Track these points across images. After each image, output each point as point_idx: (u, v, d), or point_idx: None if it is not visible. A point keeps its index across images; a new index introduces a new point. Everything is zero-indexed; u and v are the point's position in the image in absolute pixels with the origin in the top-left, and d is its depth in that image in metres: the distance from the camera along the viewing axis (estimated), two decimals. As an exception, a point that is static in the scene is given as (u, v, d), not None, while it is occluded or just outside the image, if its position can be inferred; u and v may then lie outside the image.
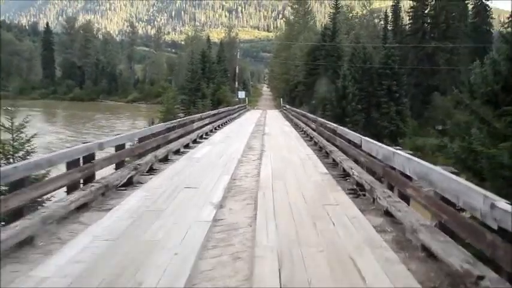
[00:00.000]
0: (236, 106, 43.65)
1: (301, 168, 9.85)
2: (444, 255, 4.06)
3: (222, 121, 25.15)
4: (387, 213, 6.04)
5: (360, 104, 44.14)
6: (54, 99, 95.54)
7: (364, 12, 74.03)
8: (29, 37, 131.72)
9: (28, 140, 9.79)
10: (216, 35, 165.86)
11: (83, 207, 6.24)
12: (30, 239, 4.79)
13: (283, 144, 14.94)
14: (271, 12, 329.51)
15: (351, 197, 7.18)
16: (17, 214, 4.92)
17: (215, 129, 21.27)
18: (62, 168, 6.50)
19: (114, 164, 8.30)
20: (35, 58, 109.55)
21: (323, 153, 12.87)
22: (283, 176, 8.75)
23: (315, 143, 15.42)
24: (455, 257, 3.91)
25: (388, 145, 9.10)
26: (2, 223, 5.47)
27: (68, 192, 6.43)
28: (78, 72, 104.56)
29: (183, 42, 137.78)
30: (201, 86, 52.43)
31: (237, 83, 74.06)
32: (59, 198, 6.16)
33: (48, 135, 46.89)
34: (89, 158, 7.06)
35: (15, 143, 8.86)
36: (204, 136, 17.46)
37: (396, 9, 61.94)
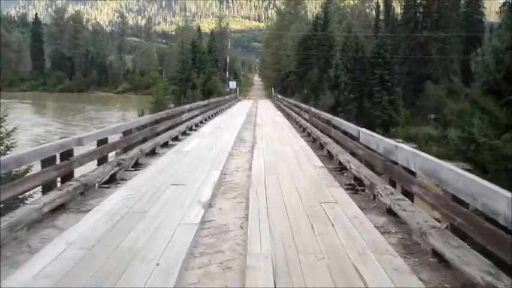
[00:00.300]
0: (227, 96, 42.90)
1: (295, 161, 9.35)
2: (460, 264, 3.59)
3: (212, 112, 24.58)
4: (390, 212, 5.58)
5: (352, 93, 43.84)
6: (43, 91, 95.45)
7: (356, 1, 73.52)
8: (18, 28, 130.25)
9: (8, 134, 9.23)
10: (207, 25, 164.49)
11: (59, 209, 5.71)
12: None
13: (275, 136, 14.41)
14: (262, 2, 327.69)
15: (349, 193, 6.71)
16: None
17: (205, 120, 20.70)
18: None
19: (96, 160, 7.79)
20: (24, 50, 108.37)
21: (317, 145, 12.38)
22: (276, 170, 8.26)
23: (309, 134, 14.93)
24: (474, 266, 3.45)
25: (382, 135, 8.72)
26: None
27: (44, 192, 5.93)
28: (67, 63, 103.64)
29: (173, 33, 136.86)
30: (192, 77, 52.23)
31: (227, 73, 73.37)
32: (31, 200, 5.65)
33: (36, 128, 46.29)
34: (67, 154, 6.52)
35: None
36: (193, 128, 16.87)
37: (388, -2, 61.50)
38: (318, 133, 12.79)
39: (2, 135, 9.15)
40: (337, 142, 10.24)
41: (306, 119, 17.19)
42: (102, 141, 7.96)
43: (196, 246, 4.52)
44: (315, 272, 3.75)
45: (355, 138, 8.32)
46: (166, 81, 52.65)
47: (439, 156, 5.75)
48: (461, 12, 57.93)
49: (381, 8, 61.13)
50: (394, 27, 55.98)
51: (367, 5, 71.37)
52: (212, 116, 23.82)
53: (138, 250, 4.25)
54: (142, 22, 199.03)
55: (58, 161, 6.37)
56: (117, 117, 51.32)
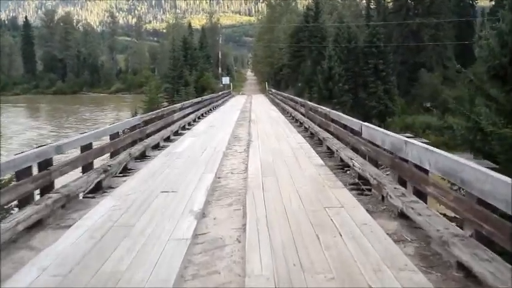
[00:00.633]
0: (220, 92, 42.35)
1: (294, 159, 8.81)
2: (494, 281, 3.08)
3: (205, 109, 24.00)
4: (402, 216, 5.07)
5: (347, 84, 43.29)
6: (36, 93, 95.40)
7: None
8: (8, 32, 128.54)
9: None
10: (198, 22, 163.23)
11: (36, 226, 5.16)
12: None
13: (271, 132, 13.85)
14: None
15: (354, 194, 6.19)
16: None
17: (198, 118, 20.11)
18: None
19: (81, 168, 7.23)
20: (15, 53, 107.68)
21: (315, 141, 11.86)
22: (274, 170, 7.73)
23: (306, 129, 14.42)
24: (513, 285, 2.93)
25: (378, 125, 8.22)
26: None
27: (20, 207, 5.38)
28: (59, 65, 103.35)
29: (164, 31, 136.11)
30: (184, 74, 51.77)
31: (220, 68, 72.84)
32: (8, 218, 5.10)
33: (29, 131, 45.55)
34: (45, 164, 5.96)
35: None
36: (186, 127, 16.32)
37: (377, -14, 60.94)
38: (316, 128, 12.26)
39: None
40: (337, 137, 9.72)
41: (302, 113, 16.67)
42: (86, 147, 7.40)
43: (187, 267, 3.98)
44: (326, 296, 3.22)
45: (357, 133, 7.80)
46: (158, 80, 52.13)
47: (437, 145, 5.29)
48: (452, -3, 57.53)
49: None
50: (386, 16, 55.43)
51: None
52: (205, 113, 23.24)
53: (121, 274, 3.71)
54: (133, 21, 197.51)
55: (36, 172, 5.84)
56: (111, 117, 50.52)
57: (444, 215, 5.04)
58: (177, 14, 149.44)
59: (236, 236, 4.76)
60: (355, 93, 44.97)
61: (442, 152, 4.33)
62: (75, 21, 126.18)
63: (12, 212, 7.68)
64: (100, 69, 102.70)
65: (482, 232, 3.52)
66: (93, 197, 6.61)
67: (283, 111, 22.94)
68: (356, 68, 45.57)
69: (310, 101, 22.36)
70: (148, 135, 11.17)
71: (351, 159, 7.55)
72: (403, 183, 5.54)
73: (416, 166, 5.03)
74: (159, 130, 12.31)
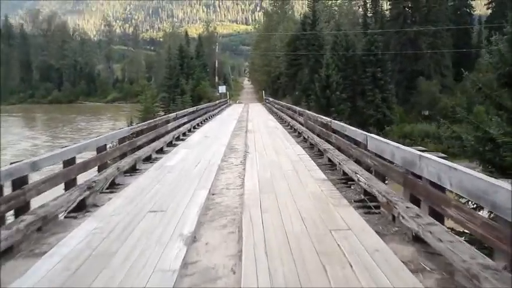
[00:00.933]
0: (217, 101, 41.58)
1: (294, 173, 8.23)
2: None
3: (201, 119, 23.40)
4: (416, 239, 4.51)
5: (345, 92, 42.90)
6: (32, 103, 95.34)
7: (344, -1, 72.74)
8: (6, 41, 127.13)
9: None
10: (195, 31, 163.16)
11: (6, 254, 4.57)
12: None
13: (269, 143, 13.26)
14: (249, 5, 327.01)
15: (361, 213, 5.63)
16: None
17: (193, 128, 19.50)
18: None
19: (64, 185, 6.64)
20: (12, 62, 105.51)
21: (315, 152, 11.30)
22: (273, 186, 7.15)
23: (305, 139, 13.86)
24: None
25: (376, 134, 7.69)
26: None
27: (-11, 232, 4.79)
28: (56, 74, 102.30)
29: (161, 39, 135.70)
30: (180, 82, 51.45)
31: (217, 77, 72.42)
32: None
33: (24, 142, 44.89)
34: (19, 182, 5.38)
35: None
36: (180, 137, 15.71)
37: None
38: (316, 138, 11.71)
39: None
40: (339, 148, 9.16)
41: (300, 123, 16.13)
42: (68, 162, 6.82)
43: (174, 307, 3.40)
44: None
45: (362, 145, 7.25)
46: (155, 89, 51.27)
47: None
48: (449, 5, 57.34)
49: (368, 4, 60.41)
50: (383, 24, 55.25)
51: (354, 2, 70.50)
52: (201, 123, 22.68)
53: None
54: (130, 30, 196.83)
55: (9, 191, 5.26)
56: (107, 127, 50.00)
57: (451, 229, 4.52)
58: (174, 23, 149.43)
59: (231, 265, 4.18)
60: (353, 101, 44.54)
61: (468, 170, 3.77)
62: (71, 30, 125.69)
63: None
64: (96, 79, 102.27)
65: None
66: (75, 217, 6.02)
67: (281, 120, 22.36)
68: (354, 76, 45.26)
69: (308, 109, 21.84)
70: (140, 147, 10.60)
71: (356, 173, 6.98)
72: (415, 201, 5.00)
73: (432, 183, 4.48)
74: (151, 141, 11.73)
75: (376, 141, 6.48)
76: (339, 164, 8.26)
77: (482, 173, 4.00)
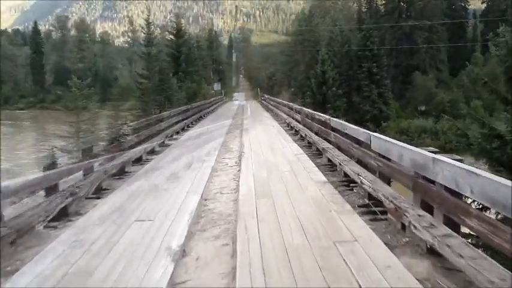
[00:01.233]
0: (212, 99, 40.51)
1: (292, 175, 7.75)
2: None
3: (195, 117, 22.80)
4: (431, 251, 4.05)
5: (341, 88, 42.59)
6: (41, 108, 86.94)
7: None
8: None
9: None
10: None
11: (-27, 273, 4.08)
12: None
13: (265, 142, 12.76)
14: (290, 16, 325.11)
15: (366, 220, 5.17)
16: None
17: (187, 127, 18.94)
18: None
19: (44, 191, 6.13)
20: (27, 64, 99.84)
21: (314, 151, 10.82)
22: (270, 190, 6.67)
23: (302, 138, 13.38)
24: None
25: (373, 130, 7.24)
26: None
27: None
28: (71, 78, 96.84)
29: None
30: (170, 84, 46.68)
31: (212, 74, 71.09)
32: None
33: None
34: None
35: None
36: (174, 136, 15.17)
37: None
38: (314, 137, 11.23)
39: None
40: (338, 148, 8.70)
41: (297, 120, 15.65)
42: (49, 166, 6.33)
43: None
44: None
45: (364, 145, 6.79)
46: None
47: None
48: (444, 0, 57.07)
49: (362, -1, 60.11)
50: (378, 19, 54.87)
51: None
52: (195, 121, 22.08)
53: None
54: (170, 37, 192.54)
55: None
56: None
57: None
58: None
59: (224, 284, 3.71)
60: (349, 97, 44.21)
61: (492, 176, 3.30)
62: (97, 33, 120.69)
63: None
64: (114, 83, 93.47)
65: None
66: (55, 227, 5.52)
67: (277, 117, 21.77)
68: (350, 72, 44.96)
69: (304, 106, 21.29)
70: (131, 147, 10.10)
71: (358, 175, 6.52)
72: (427, 208, 4.53)
73: (447, 189, 4.02)
74: (142, 141, 11.24)
75: (380, 141, 6.01)
76: (340, 164, 7.80)
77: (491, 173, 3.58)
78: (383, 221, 5.24)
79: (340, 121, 9.17)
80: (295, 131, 15.28)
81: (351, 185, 7.07)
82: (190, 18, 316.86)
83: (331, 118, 10.03)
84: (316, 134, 11.36)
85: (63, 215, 5.90)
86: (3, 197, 4.88)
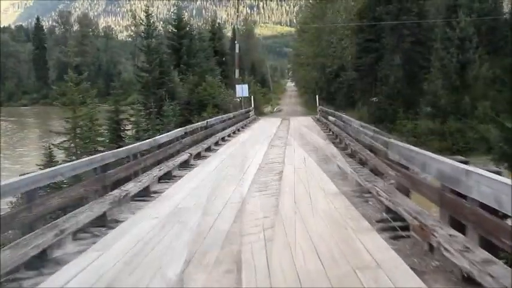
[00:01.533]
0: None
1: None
2: None
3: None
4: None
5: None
6: (45, 104, 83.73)
7: None
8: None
9: None
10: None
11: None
12: None
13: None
14: (294, 7, 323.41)
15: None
16: None
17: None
18: None
19: None
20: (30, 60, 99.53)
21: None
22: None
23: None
24: None
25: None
26: None
27: None
28: (74, 73, 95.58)
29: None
30: (171, 77, 32.14)
31: (236, 72, 40.09)
32: None
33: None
34: None
35: None
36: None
37: None
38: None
39: None
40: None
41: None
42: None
43: None
44: None
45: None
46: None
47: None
48: None
49: None
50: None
51: None
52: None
53: None
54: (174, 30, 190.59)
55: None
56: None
57: None
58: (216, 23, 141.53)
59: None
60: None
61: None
62: (100, 27, 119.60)
63: None
64: (117, 78, 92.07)
65: None
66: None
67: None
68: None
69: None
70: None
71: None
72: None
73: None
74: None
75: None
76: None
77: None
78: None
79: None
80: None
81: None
82: (194, 11, 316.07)
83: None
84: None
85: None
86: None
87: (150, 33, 32.34)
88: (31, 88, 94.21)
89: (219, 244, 4.68)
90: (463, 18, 25.74)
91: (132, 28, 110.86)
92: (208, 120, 15.87)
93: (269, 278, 3.67)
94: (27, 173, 5.03)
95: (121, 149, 7.68)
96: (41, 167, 18.55)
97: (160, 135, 10.10)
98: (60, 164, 12.14)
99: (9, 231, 5.15)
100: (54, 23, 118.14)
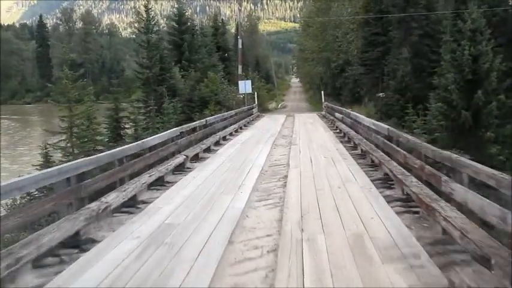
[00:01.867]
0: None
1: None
2: None
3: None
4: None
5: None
6: (47, 102, 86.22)
7: None
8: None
9: None
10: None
11: None
12: None
13: None
14: (297, 2, 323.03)
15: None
16: None
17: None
18: None
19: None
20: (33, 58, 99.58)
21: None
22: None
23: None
24: None
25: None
26: None
27: None
28: (78, 70, 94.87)
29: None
30: (172, 73, 30.97)
31: (239, 68, 39.39)
32: None
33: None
34: None
35: None
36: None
37: None
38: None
39: None
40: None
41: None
42: None
43: None
44: None
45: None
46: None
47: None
48: None
49: None
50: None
51: None
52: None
53: None
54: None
55: None
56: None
57: None
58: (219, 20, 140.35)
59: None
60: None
61: None
62: (103, 24, 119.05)
63: None
64: (120, 75, 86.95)
65: None
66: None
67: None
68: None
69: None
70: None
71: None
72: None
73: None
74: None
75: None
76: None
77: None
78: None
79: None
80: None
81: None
82: (198, 8, 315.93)
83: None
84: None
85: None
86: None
87: (150, 28, 31.21)
88: (34, 86, 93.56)
89: (208, 277, 3.78)
90: (474, 9, 24.76)
91: (135, 25, 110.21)
92: (208, 118, 14.69)
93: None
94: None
95: (102, 154, 6.60)
96: (38, 167, 17.94)
97: (152, 137, 8.79)
98: (59, 163, 11.38)
99: None
100: (57, 21, 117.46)
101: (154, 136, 9.02)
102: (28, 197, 12.60)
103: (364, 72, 36.71)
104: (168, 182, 8.20)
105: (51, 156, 19.40)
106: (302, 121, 23.13)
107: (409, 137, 7.57)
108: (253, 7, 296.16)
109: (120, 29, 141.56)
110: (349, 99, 38.34)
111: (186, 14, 40.46)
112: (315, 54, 48.65)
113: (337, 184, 7.38)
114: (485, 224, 4.14)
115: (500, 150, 17.33)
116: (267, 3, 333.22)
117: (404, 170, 7.08)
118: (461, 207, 4.68)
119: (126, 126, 24.06)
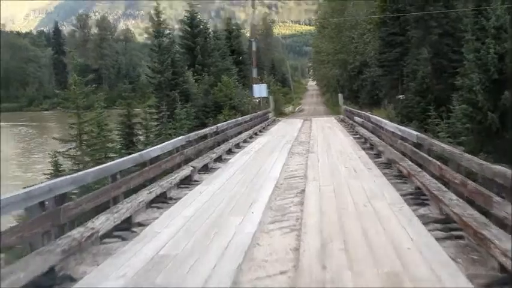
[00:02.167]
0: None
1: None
2: None
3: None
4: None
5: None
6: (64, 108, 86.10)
7: None
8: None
9: None
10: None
11: None
12: None
13: None
14: (312, 5, 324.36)
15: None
16: None
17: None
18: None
19: None
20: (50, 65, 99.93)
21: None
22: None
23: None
24: None
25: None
26: None
27: None
28: (94, 76, 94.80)
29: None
30: (185, 77, 29.98)
31: (254, 70, 39.22)
32: None
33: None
34: None
35: None
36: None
37: None
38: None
39: None
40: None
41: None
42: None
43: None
44: None
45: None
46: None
47: None
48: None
49: None
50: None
51: None
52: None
53: None
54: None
55: None
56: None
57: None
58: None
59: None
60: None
61: None
62: (118, 30, 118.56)
63: None
64: (136, 80, 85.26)
65: None
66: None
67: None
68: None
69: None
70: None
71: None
72: None
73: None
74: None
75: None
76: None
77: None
78: None
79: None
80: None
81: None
82: (212, 12, 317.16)
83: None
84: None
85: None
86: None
87: (161, 32, 30.43)
88: (51, 92, 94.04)
89: None
90: (498, 5, 23.63)
91: (150, 30, 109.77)
92: (219, 124, 13.80)
93: None
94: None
95: (91, 169, 5.76)
96: (48, 176, 17.37)
97: (151, 148, 8.01)
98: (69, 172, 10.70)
99: None
100: (73, 28, 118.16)
101: (154, 147, 8.07)
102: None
103: (382, 73, 35.31)
104: (171, 199, 7.32)
105: (61, 165, 18.86)
106: (320, 125, 22.22)
107: (445, 145, 6.60)
108: (267, 10, 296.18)
109: (136, 35, 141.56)
110: (368, 102, 37.32)
111: (199, 17, 39.64)
112: (331, 56, 47.45)
113: (362, 201, 6.36)
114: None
115: (530, 154, 16.24)
116: (281, 7, 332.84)
117: (440, 185, 6.13)
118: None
119: (139, 132, 23.46)
